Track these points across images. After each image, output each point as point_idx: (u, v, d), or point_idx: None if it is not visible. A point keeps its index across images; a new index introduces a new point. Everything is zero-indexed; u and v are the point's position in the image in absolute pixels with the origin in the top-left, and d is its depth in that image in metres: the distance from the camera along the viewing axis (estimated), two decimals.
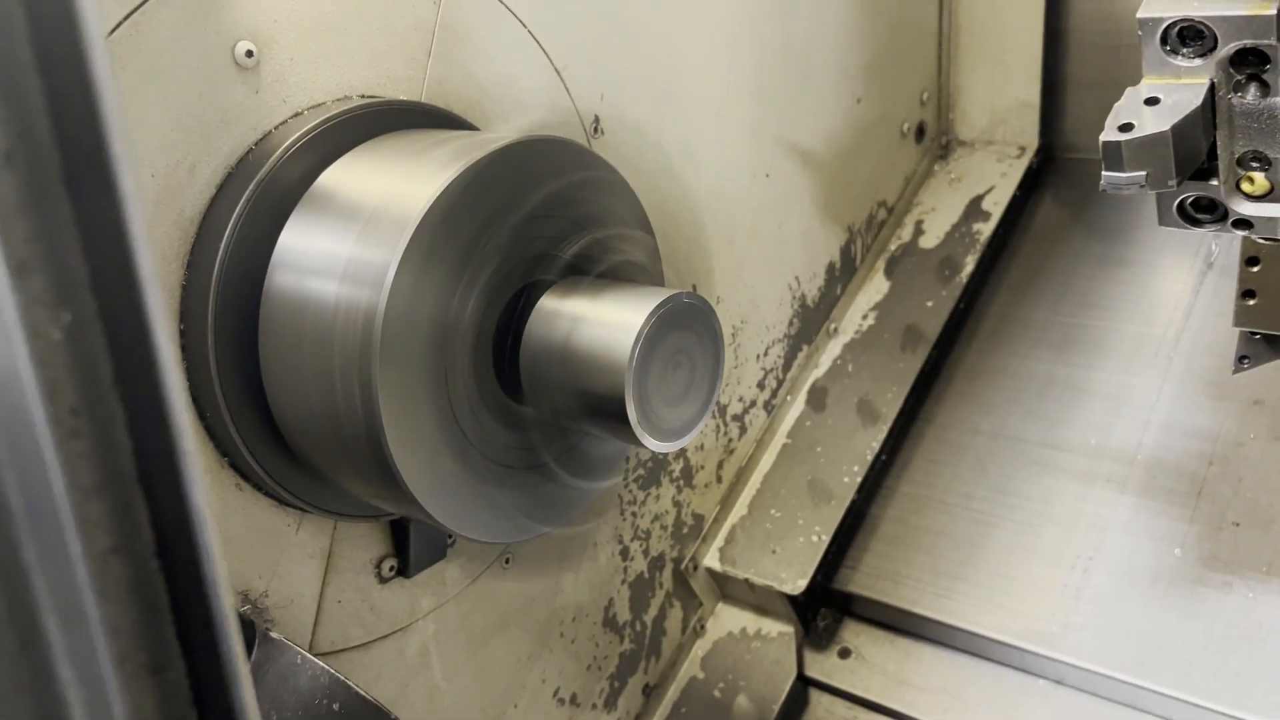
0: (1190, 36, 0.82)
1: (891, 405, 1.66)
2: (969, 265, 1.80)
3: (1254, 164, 0.85)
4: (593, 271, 1.02)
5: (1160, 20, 0.82)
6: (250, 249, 0.91)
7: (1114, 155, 0.82)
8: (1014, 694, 1.41)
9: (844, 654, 1.52)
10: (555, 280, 0.99)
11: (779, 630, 1.54)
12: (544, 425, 1.01)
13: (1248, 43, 0.80)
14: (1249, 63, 0.81)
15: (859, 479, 1.58)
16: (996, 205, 1.87)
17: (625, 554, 1.43)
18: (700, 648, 1.57)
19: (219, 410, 0.92)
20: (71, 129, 0.36)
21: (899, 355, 1.72)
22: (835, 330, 1.77)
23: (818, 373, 1.73)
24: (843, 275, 1.77)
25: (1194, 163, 0.85)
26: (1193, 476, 1.48)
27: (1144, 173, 0.81)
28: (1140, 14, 0.84)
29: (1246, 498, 1.44)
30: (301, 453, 0.96)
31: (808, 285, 1.69)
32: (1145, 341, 1.66)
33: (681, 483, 1.51)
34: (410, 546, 1.10)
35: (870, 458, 1.60)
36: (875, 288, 1.82)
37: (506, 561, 1.25)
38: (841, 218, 1.75)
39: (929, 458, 1.65)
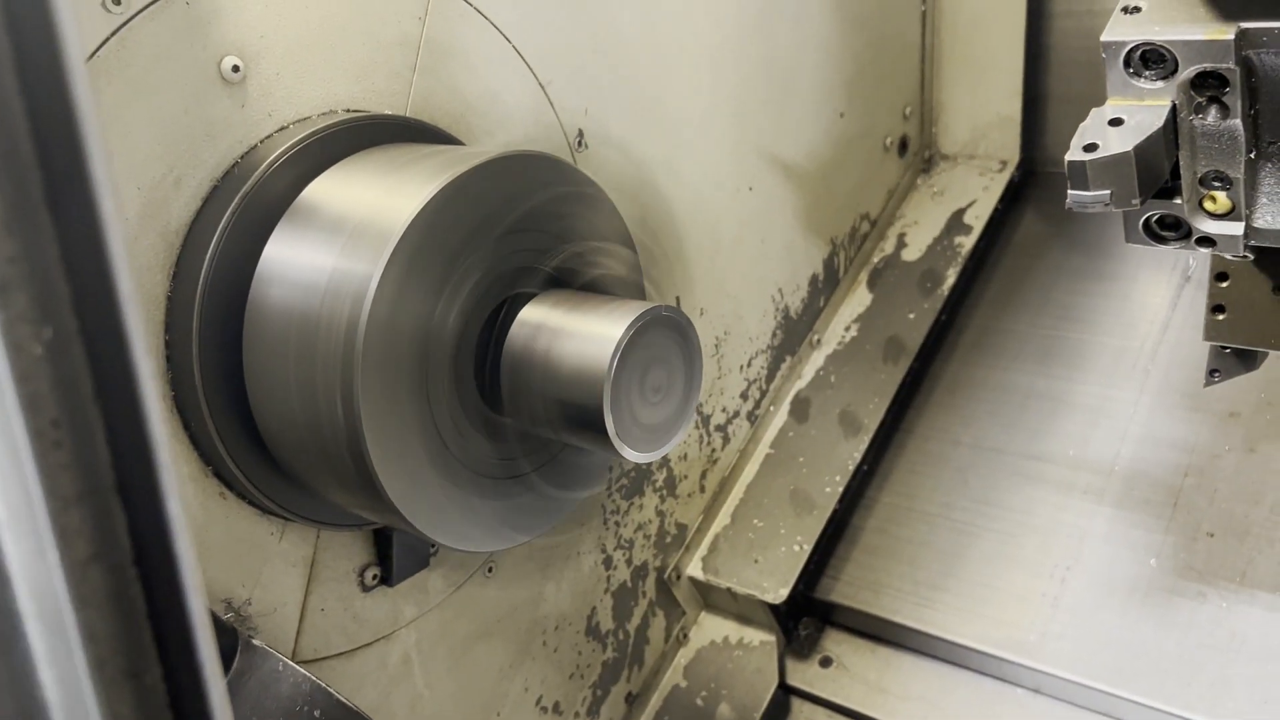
0: (1152, 60, 0.84)
1: (873, 416, 1.68)
2: (951, 278, 1.82)
3: (1215, 183, 0.87)
4: (574, 284, 1.04)
5: (1123, 44, 0.84)
6: (235, 261, 0.93)
7: (1079, 174, 0.84)
8: (993, 702, 1.43)
9: (825, 663, 1.53)
10: (536, 293, 1.00)
11: (761, 639, 1.55)
12: (525, 436, 1.02)
13: (1207, 66, 0.82)
14: (1209, 85, 0.83)
15: (841, 489, 1.60)
16: (978, 219, 1.89)
17: (608, 563, 1.45)
18: (683, 656, 1.58)
19: (203, 420, 0.93)
20: (54, 152, 0.37)
21: (881, 367, 1.74)
22: (818, 342, 1.79)
23: (800, 383, 1.74)
24: (825, 287, 1.79)
25: (1157, 182, 0.87)
26: (1169, 487, 1.50)
27: (1108, 191, 0.83)
28: (1104, 37, 0.86)
29: (1221, 509, 1.46)
30: (285, 462, 0.97)
31: (791, 297, 1.71)
32: (1124, 354, 1.68)
33: (665, 492, 1.52)
34: (393, 555, 1.11)
35: (852, 468, 1.62)
36: (858, 300, 1.84)
37: (489, 570, 1.26)
38: (824, 230, 1.77)
39: (910, 468, 1.67)
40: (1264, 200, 0.90)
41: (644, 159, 1.37)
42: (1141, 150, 0.83)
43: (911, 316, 1.78)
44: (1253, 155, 0.88)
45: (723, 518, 1.61)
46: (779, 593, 1.50)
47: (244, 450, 0.96)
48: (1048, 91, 1.94)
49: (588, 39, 1.27)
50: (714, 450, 1.61)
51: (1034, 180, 1.99)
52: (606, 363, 0.92)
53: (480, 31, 1.14)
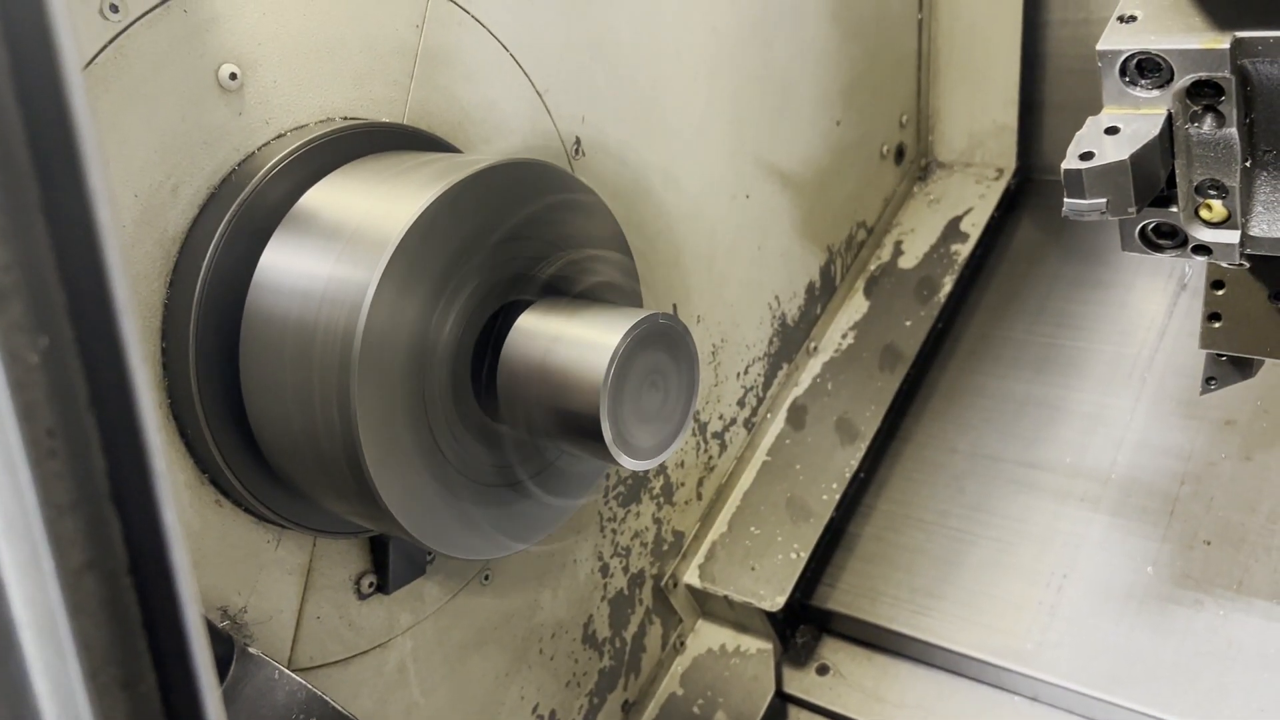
0: (1148, 68, 0.85)
1: (870, 424, 1.68)
2: (947, 285, 1.82)
3: (1211, 192, 0.87)
4: (570, 292, 1.04)
5: (1119, 52, 0.85)
6: (232, 268, 0.93)
7: (1075, 182, 0.84)
8: (989, 710, 1.43)
9: (822, 671, 1.53)
10: (533, 300, 1.00)
11: (758, 647, 1.55)
12: (521, 443, 1.02)
13: (1203, 75, 0.82)
14: (1205, 94, 0.84)
15: (838, 497, 1.60)
16: (974, 226, 1.90)
17: (605, 570, 1.44)
18: (680, 664, 1.58)
19: (199, 427, 0.93)
20: (50, 159, 0.37)
21: (878, 374, 1.74)
22: (815, 349, 1.79)
23: (797, 391, 1.74)
24: (822, 295, 1.79)
25: (1153, 190, 0.87)
26: (1165, 495, 1.51)
27: (1104, 199, 0.83)
28: (1100, 46, 0.86)
29: (1218, 516, 1.46)
30: (281, 470, 0.97)
31: (788, 305, 1.71)
32: (1120, 362, 1.68)
33: (662, 500, 1.52)
34: (389, 563, 1.11)
35: (849, 475, 1.62)
36: (855, 307, 1.84)
37: (485, 578, 1.26)
38: (821, 238, 1.77)
39: (907, 476, 1.67)
40: (1259, 208, 0.90)
41: (641, 166, 1.38)
42: (1137, 159, 0.83)
43: (908, 324, 1.79)
44: (1248, 164, 0.88)
45: (720, 525, 1.61)
46: (776, 600, 1.50)
47: (240, 458, 0.96)
48: (1044, 100, 1.94)
49: (585, 47, 1.27)
50: (711, 458, 1.61)
51: (1030, 188, 1.99)
52: (603, 370, 0.92)
53: (478, 39, 1.14)
